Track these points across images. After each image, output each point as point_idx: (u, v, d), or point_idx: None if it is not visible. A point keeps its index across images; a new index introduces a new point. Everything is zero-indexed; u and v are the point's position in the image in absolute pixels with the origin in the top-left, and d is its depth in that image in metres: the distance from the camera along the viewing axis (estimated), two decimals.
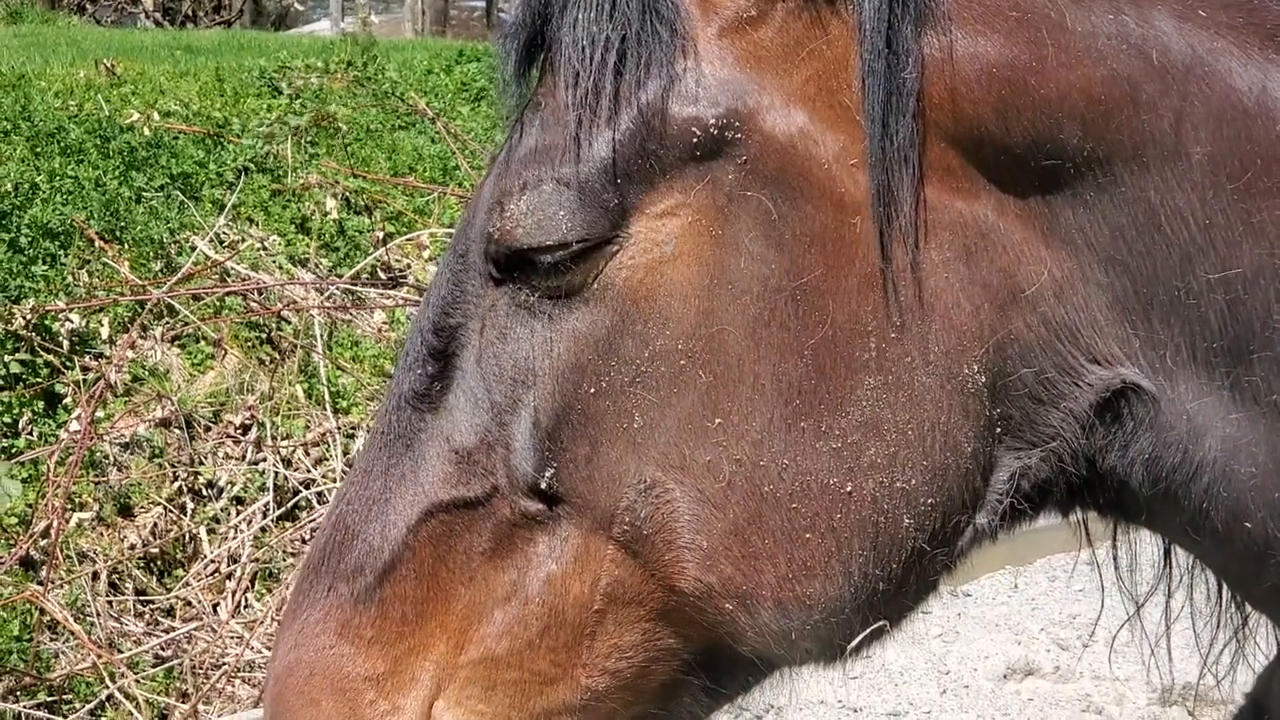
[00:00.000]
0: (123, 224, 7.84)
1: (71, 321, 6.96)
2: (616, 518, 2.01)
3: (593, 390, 2.00)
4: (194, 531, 6.29)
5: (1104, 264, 2.01)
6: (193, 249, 7.51)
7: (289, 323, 7.15)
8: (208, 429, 6.64)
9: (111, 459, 6.44)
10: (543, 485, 2.03)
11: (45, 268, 7.35)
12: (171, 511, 6.32)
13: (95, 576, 5.99)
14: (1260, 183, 1.98)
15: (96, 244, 7.48)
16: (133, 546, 6.18)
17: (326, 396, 6.67)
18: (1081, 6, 1.99)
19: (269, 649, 5.80)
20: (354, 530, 2.13)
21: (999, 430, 2.04)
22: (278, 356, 7.02)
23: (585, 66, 1.98)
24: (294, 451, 6.49)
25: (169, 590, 6.09)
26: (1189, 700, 4.33)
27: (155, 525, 6.26)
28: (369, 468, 2.15)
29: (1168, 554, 2.32)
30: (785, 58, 2.00)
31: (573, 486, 2.03)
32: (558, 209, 1.97)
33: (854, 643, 2.07)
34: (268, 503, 6.29)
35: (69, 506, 6.13)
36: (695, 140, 1.97)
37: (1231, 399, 2.03)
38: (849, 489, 1.98)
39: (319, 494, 6.35)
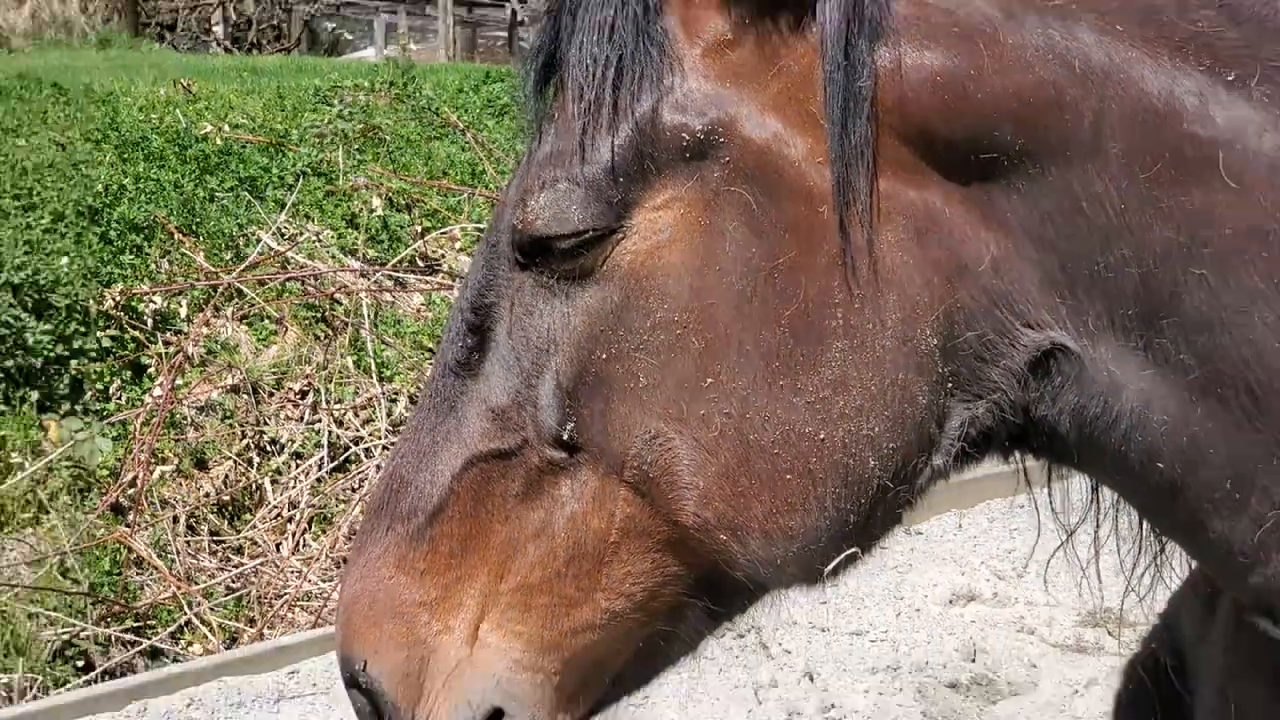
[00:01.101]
0: (198, 220, 7.83)
1: (154, 303, 6.94)
2: (627, 463, 2.02)
3: (604, 356, 2.02)
4: (259, 482, 6.29)
5: (1035, 243, 2.02)
6: (258, 241, 7.51)
7: (340, 304, 7.14)
8: (271, 394, 6.63)
9: (189, 420, 6.45)
10: (564, 437, 2.03)
11: (132, 257, 7.34)
12: (240, 465, 6.32)
13: (175, 520, 5.99)
14: (1168, 174, 1.98)
15: (175, 237, 7.47)
16: (207, 494, 6.18)
17: (373, 367, 6.68)
18: (1013, 21, 2.00)
19: (324, 581, 5.81)
20: (407, 480, 2.14)
21: (949, 385, 2.05)
22: (331, 333, 7.01)
23: (589, 82, 2.00)
24: (345, 414, 6.50)
25: (238, 532, 6.09)
26: (1109, 623, 4.34)
27: (226, 476, 6.27)
28: (419, 426, 2.15)
29: (1095, 491, 2.30)
30: (759, 73, 2.00)
31: (589, 438, 2.03)
32: (571, 204, 1.99)
33: (830, 567, 2.06)
34: (322, 457, 6.29)
35: (152, 460, 6.14)
36: (684, 144, 1.98)
37: (1145, 358, 2.03)
38: (822, 436, 1.99)
39: (366, 450, 6.35)
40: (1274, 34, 2.06)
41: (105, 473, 6.19)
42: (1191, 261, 2.03)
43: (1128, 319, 2.05)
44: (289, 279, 7.26)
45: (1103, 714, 2.91)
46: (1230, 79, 2.04)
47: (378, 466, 6.05)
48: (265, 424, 6.50)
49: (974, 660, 4.15)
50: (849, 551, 2.09)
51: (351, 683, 2.13)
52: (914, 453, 2.06)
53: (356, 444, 6.40)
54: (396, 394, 6.64)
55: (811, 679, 3.97)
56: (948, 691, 3.98)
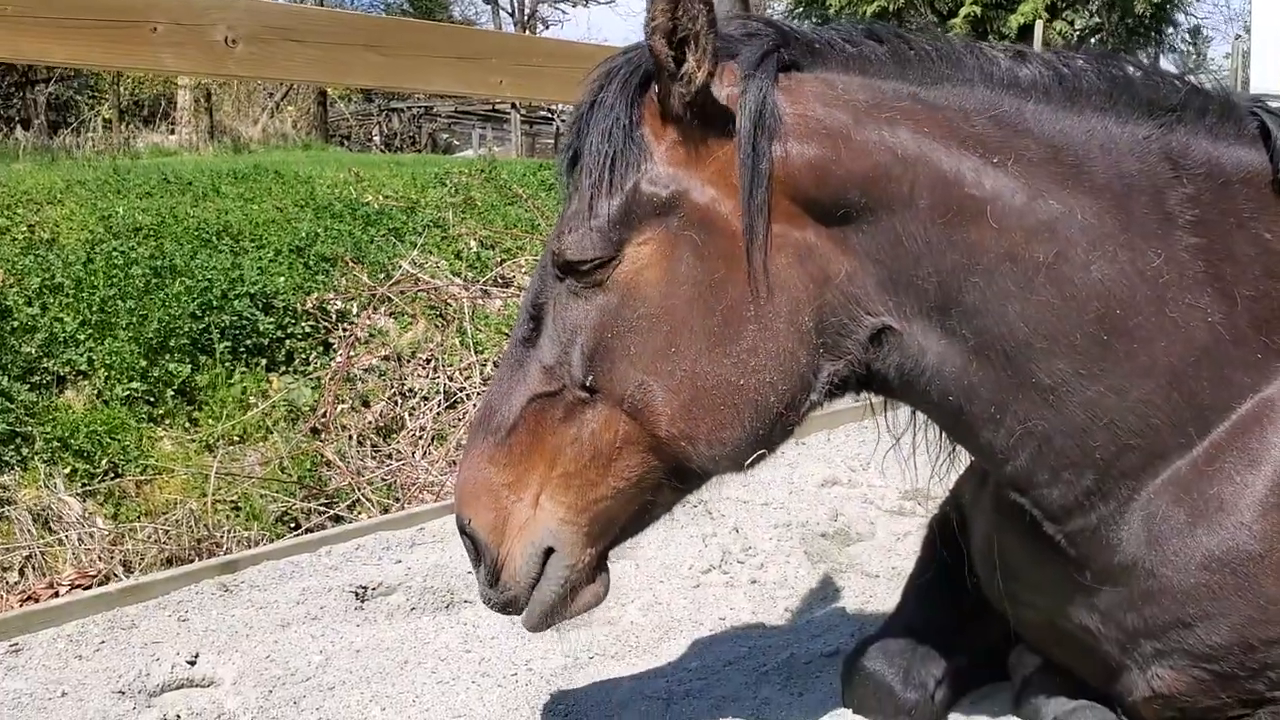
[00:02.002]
0: (363, 254, 7.82)
1: (337, 305, 6.93)
2: (625, 400, 2.02)
3: (610, 334, 2.02)
4: (402, 415, 6.29)
5: (874, 263, 2.01)
6: (399, 267, 7.50)
7: (450, 306, 7.13)
8: (408, 361, 6.63)
9: (358, 376, 6.46)
10: (587, 384, 2.04)
11: (323, 277, 7.33)
12: (389, 404, 6.32)
13: (350, 438, 5.99)
14: (955, 219, 1.98)
15: (349, 265, 7.46)
16: (369, 422, 6.17)
17: (471, 345, 6.67)
18: (860, 125, 2.00)
19: (441, 475, 5.83)
20: (495, 408, 2.14)
21: (821, 350, 2.04)
22: (445, 323, 6.99)
23: (595, 166, 2.00)
24: (454, 373, 6.50)
25: (389, 445, 6.10)
26: (921, 496, 4.34)
27: (381, 411, 6.26)
28: (501, 377, 2.17)
29: (914, 413, 2.31)
30: (702, 160, 2.00)
31: (602, 385, 2.04)
32: (586, 242, 2.00)
33: (749, 461, 2.11)
34: (439, 399, 6.30)
35: (336, 401, 6.15)
36: (656, 205, 1.99)
37: (941, 333, 2.03)
38: (742, 383, 1.99)
39: (466, 395, 6.33)
40: (1024, 133, 2.06)
41: (307, 409, 6.19)
42: (970, 274, 2.02)
43: (931, 309, 2.03)
44: (419, 290, 7.24)
45: (914, 550, 2.91)
46: (995, 161, 2.07)
47: (474, 405, 6.04)
48: (405, 379, 6.49)
49: (836, 520, 4.14)
50: (760, 452, 2.11)
51: (462, 532, 2.19)
52: (799, 392, 2.05)
53: (460, 392, 6.39)
54: (485, 361, 6.63)
55: (737, 531, 3.96)
56: (819, 538, 3.97)
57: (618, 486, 2.10)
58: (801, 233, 1.99)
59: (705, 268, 1.98)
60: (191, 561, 4.36)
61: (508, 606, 2.21)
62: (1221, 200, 2.10)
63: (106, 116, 19.65)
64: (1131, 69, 2.17)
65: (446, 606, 3.47)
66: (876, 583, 3.59)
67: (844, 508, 4.33)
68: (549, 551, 2.15)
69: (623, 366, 2.02)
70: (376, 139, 26.00)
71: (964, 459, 2.62)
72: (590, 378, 2.04)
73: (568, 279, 2.05)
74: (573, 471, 2.09)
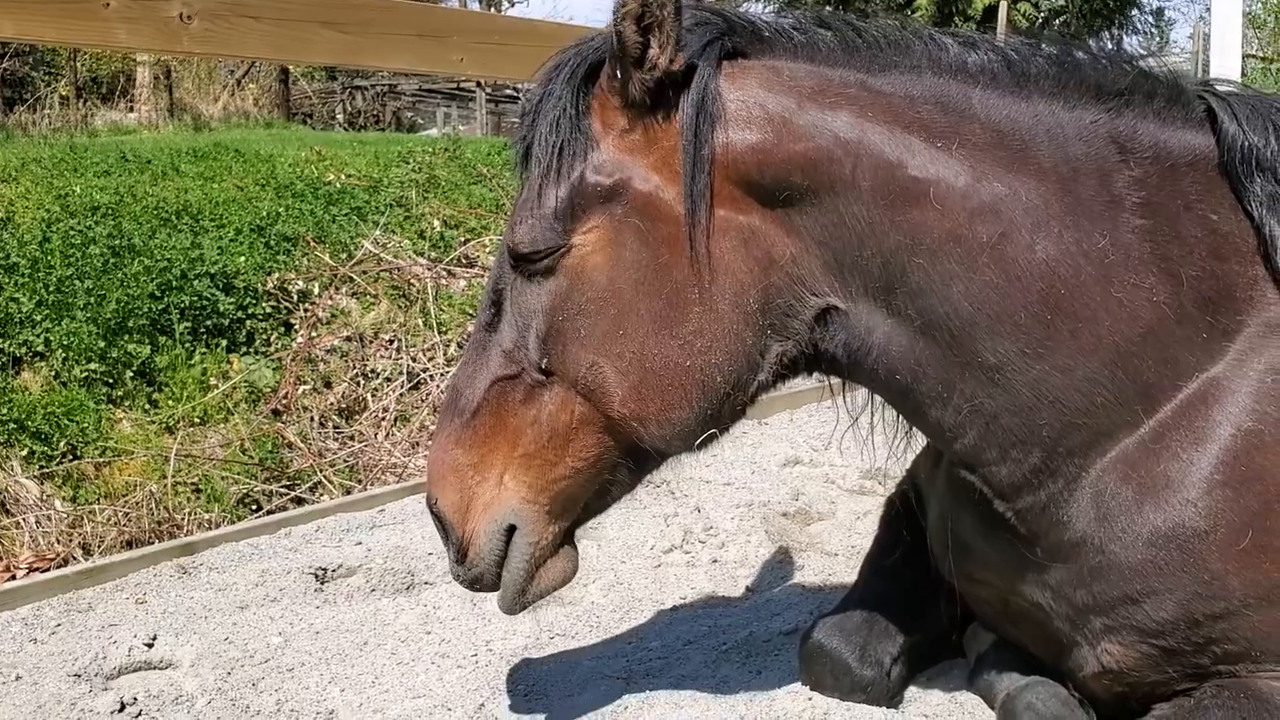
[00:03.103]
0: (325, 233, 7.78)
1: (298, 285, 6.92)
2: (578, 381, 2.07)
3: (561, 318, 2.06)
4: (364, 396, 6.28)
5: (818, 244, 2.03)
6: (362, 246, 7.46)
7: (414, 286, 7.11)
8: (370, 342, 6.62)
9: (320, 357, 6.43)
10: (543, 366, 2.09)
11: (284, 257, 7.30)
12: (351, 385, 6.31)
13: (311, 419, 5.98)
14: (899, 201, 2.00)
15: (310, 244, 7.42)
16: (332, 403, 6.16)
17: (435, 325, 6.65)
18: (801, 110, 2.02)
19: (404, 456, 5.81)
20: (461, 391, 2.20)
21: (768, 331, 2.06)
22: (408, 303, 6.97)
23: (543, 156, 2.04)
24: (417, 354, 6.48)
25: (351, 426, 6.08)
26: (880, 476, 4.36)
27: (344, 392, 6.25)
28: (466, 360, 2.22)
29: (870, 393, 2.32)
30: (646, 148, 2.03)
31: (557, 366, 2.08)
32: (536, 233, 2.05)
33: (699, 442, 2.14)
34: (403, 380, 6.28)
35: (297, 382, 6.13)
36: (601, 193, 2.02)
37: (887, 313, 2.05)
38: (689, 364, 2.02)
39: (430, 376, 6.33)
40: (969, 118, 2.07)
41: (268, 390, 6.17)
42: (914, 254, 2.04)
43: (876, 289, 2.06)
44: (382, 270, 7.21)
45: (873, 529, 2.93)
46: (939, 145, 2.07)
47: (439, 387, 6.03)
48: (367, 360, 6.47)
49: (797, 500, 4.17)
50: (711, 432, 2.13)
51: (431, 512, 2.25)
52: (745, 373, 2.08)
53: (424, 373, 6.38)
54: (449, 342, 6.61)
55: (699, 511, 3.98)
56: (780, 518, 4.00)
57: (576, 466, 2.14)
58: (746, 216, 2.02)
59: (650, 253, 2.01)
60: (152, 544, 4.33)
61: (475, 583, 2.26)
62: (1169, 183, 2.12)
63: (63, 93, 19.35)
64: (1081, 54, 2.19)
65: (407, 588, 3.46)
66: (836, 561, 3.61)
67: (805, 487, 4.35)
68: (512, 529, 2.19)
69: (574, 349, 2.06)
70: (340, 117, 25.79)
71: (920, 439, 2.64)
72: (545, 360, 2.09)
73: (521, 268, 2.10)
74: (533, 452, 2.13)
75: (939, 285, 2.02)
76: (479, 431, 2.16)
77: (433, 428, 6.09)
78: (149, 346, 6.09)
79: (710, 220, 1.99)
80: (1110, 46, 2.34)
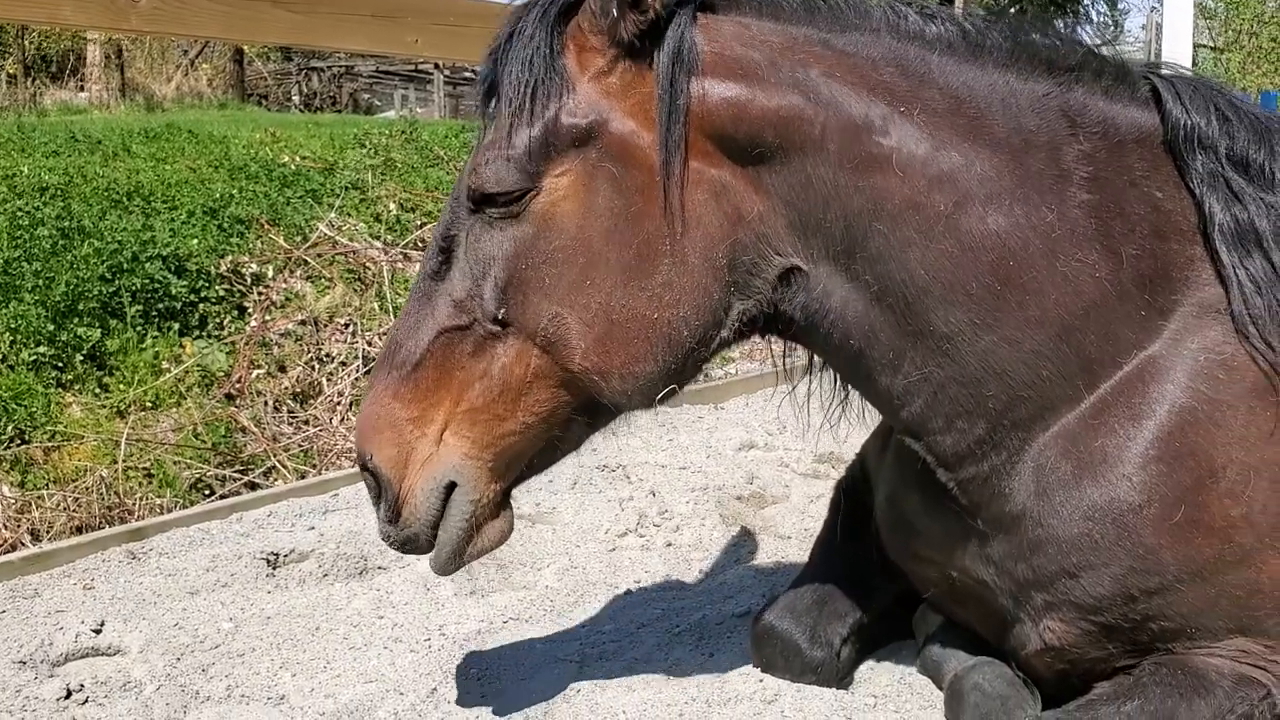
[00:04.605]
0: (280, 216, 7.69)
1: (252, 268, 6.82)
2: (538, 333, 2.04)
3: (524, 266, 2.03)
4: (319, 380, 6.22)
5: (784, 203, 2.03)
6: (317, 229, 7.39)
7: (369, 269, 7.05)
8: (326, 325, 6.55)
9: (274, 341, 6.37)
10: (499, 316, 2.05)
11: (238, 239, 7.21)
12: (306, 369, 6.24)
13: (265, 404, 5.90)
14: (863, 164, 2.01)
15: (265, 227, 7.33)
16: (286, 388, 6.09)
17: (391, 309, 6.60)
18: (774, 66, 2.02)
19: None
20: (401, 343, 2.13)
21: (732, 288, 2.06)
22: (364, 287, 6.91)
23: (516, 96, 2.01)
24: (372, 338, 6.43)
25: (306, 410, 6.03)
26: (833, 460, 4.39)
27: (298, 376, 6.18)
28: (408, 312, 2.15)
29: (811, 359, 2.35)
30: (623, 92, 2.01)
31: (515, 317, 2.05)
32: (504, 173, 2.01)
33: (659, 397, 2.14)
34: (358, 364, 6.22)
35: (251, 366, 6.06)
36: (574, 135, 1.99)
37: (845, 277, 2.06)
38: (655, 316, 2.02)
39: None
40: (929, 84, 2.08)
41: (222, 374, 6.09)
42: (875, 219, 2.04)
43: (837, 252, 2.06)
44: (337, 253, 7.14)
45: (824, 512, 2.95)
46: (902, 110, 2.06)
47: None
48: (322, 344, 6.41)
49: (752, 483, 4.19)
50: (670, 387, 2.12)
51: (363, 468, 2.18)
52: (710, 328, 2.07)
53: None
54: None
55: (654, 495, 3.99)
56: (735, 501, 4.02)
57: (526, 422, 2.11)
58: (717, 170, 2.01)
59: (623, 200, 1.99)
60: (102, 529, 4.28)
61: (407, 544, 2.21)
62: (1116, 159, 2.16)
63: (11, 71, 18.98)
64: (1034, 31, 2.21)
65: (360, 573, 3.45)
66: (789, 544, 3.64)
67: (760, 471, 4.38)
68: (451, 487, 2.15)
69: (536, 299, 2.03)
70: (296, 99, 25.51)
71: (868, 418, 2.65)
72: (503, 310, 2.04)
73: (483, 210, 2.05)
74: (480, 406, 2.09)
75: (897, 251, 2.03)
76: (420, 385, 2.10)
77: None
78: (99, 330, 5.99)
79: (685, 171, 1.99)
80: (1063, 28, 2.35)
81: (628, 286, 2.00)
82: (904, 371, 2.10)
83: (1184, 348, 2.11)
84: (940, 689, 2.53)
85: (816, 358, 2.34)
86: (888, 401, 2.19)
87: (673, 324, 2.03)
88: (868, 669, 2.72)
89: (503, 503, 2.24)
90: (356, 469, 4.77)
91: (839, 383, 2.36)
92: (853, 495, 2.82)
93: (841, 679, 2.64)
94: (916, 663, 2.66)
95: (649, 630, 2.98)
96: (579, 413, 2.15)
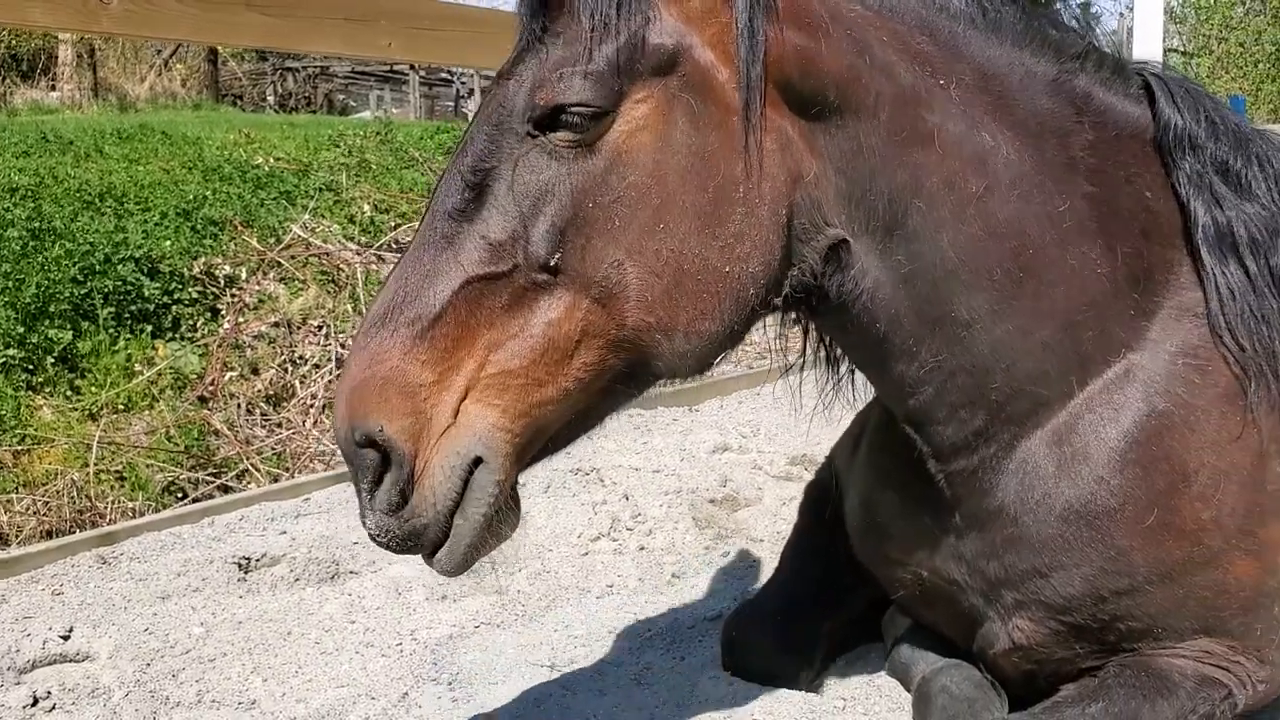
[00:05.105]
0: (253, 217, 7.66)
1: (225, 269, 6.80)
2: (596, 283, 1.83)
3: (590, 205, 1.82)
4: (292, 382, 6.20)
5: (836, 170, 1.96)
6: (290, 231, 7.36)
7: (343, 271, 7.04)
8: (299, 328, 6.53)
9: (247, 343, 6.34)
10: (552, 264, 1.81)
11: (211, 241, 7.18)
12: (279, 372, 6.22)
13: (238, 406, 5.88)
14: (909, 138, 1.97)
15: (238, 228, 7.30)
16: (259, 390, 6.07)
17: (364, 311, 6.58)
18: (838, 24, 1.95)
19: (332, 444, 5.76)
20: (411, 295, 1.82)
21: (790, 253, 1.97)
22: (337, 289, 6.89)
23: (598, 8, 1.84)
24: (345, 340, 6.41)
25: (279, 413, 6.01)
26: (805, 462, 4.40)
27: (271, 379, 6.16)
28: (418, 258, 1.85)
29: (806, 345, 2.31)
30: (704, 20, 1.89)
31: (571, 264, 1.82)
32: (584, 87, 1.81)
33: (715, 362, 2.01)
34: (331, 367, 6.21)
35: (224, 369, 6.04)
36: (659, 59, 1.86)
37: (881, 255, 2.01)
38: (727, 270, 1.88)
39: None
40: (959, 57, 2.04)
41: (194, 377, 6.06)
42: (915, 196, 1.99)
43: (877, 228, 2.00)
44: (311, 255, 7.12)
45: (795, 514, 2.96)
46: (941, 83, 2.02)
47: None
48: (295, 346, 6.38)
49: (725, 486, 4.20)
50: (722, 353, 2.00)
51: (365, 443, 1.79)
52: (772, 289, 1.97)
53: None
54: None
55: (628, 498, 3.99)
56: (709, 504, 4.03)
57: (566, 388, 1.86)
58: (784, 121, 1.93)
59: (699, 138, 1.86)
60: (73, 533, 4.25)
61: (411, 539, 1.84)
62: (1114, 152, 2.16)
63: None
64: (1042, 15, 2.20)
65: (331, 577, 3.44)
66: (761, 547, 3.65)
67: (733, 474, 4.39)
68: (475, 464, 1.83)
69: (601, 243, 1.83)
70: (270, 99, 25.38)
71: (843, 422, 2.66)
72: (557, 256, 1.82)
73: (545, 135, 1.83)
74: (515, 370, 1.82)
75: (932, 232, 2.00)
76: (440, 343, 1.80)
77: None
78: (71, 332, 5.95)
79: (762, 114, 1.88)
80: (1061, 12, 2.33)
81: (702, 234, 1.85)
82: (920, 359, 2.08)
83: (1164, 351, 2.13)
84: (909, 691, 2.54)
85: (819, 343, 2.31)
86: (899, 389, 2.16)
87: (742, 280, 1.90)
88: (837, 672, 2.73)
89: (515, 489, 1.96)
90: (328, 472, 4.77)
91: (844, 369, 2.33)
92: (822, 499, 2.83)
93: (811, 682, 2.65)
94: (885, 665, 2.68)
95: (620, 634, 2.98)
96: (623, 380, 1.94)
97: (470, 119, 1.96)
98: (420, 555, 1.88)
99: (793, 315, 2.20)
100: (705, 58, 1.87)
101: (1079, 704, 2.16)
